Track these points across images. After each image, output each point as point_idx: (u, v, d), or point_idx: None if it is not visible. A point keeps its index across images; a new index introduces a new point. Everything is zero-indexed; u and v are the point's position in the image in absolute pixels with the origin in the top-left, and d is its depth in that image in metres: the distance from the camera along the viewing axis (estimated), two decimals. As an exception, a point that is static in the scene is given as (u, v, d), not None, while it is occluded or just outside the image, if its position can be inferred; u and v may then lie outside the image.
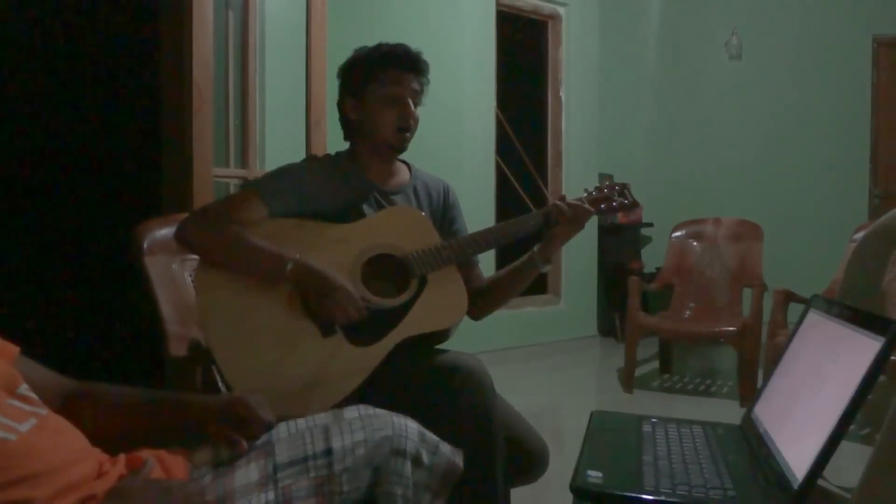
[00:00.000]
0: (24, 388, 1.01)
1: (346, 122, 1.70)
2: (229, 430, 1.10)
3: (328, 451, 1.04)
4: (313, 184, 1.59)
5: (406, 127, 1.62)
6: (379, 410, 1.12)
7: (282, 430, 1.11)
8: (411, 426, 1.11)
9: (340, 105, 1.69)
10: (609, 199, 1.72)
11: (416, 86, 1.63)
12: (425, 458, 1.10)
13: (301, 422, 1.11)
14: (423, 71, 1.65)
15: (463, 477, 1.15)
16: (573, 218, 1.63)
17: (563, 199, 1.67)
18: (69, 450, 0.98)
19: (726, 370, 4.47)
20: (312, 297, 1.48)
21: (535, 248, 1.68)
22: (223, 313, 1.49)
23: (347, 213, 1.60)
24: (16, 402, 0.98)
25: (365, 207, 1.63)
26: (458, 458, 1.15)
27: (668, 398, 3.88)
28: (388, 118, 1.61)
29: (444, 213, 1.76)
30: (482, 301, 1.74)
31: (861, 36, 5.28)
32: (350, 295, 1.47)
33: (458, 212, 1.79)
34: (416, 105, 1.64)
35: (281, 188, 1.57)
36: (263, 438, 1.10)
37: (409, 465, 1.07)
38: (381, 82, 1.61)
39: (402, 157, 1.74)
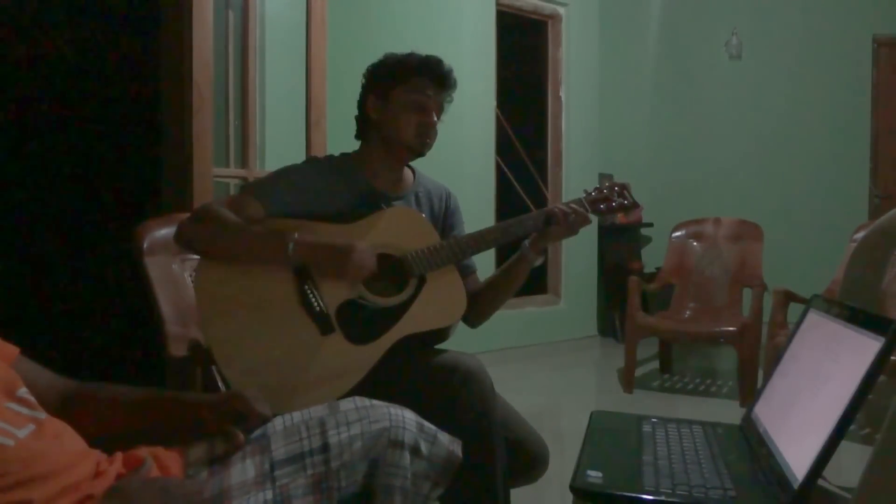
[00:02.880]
0: (23, 392, 1.01)
1: (364, 121, 1.70)
2: (226, 423, 1.10)
3: (325, 447, 1.04)
4: (312, 186, 1.59)
5: (426, 134, 1.63)
6: (375, 402, 1.12)
7: (277, 423, 1.11)
8: (408, 416, 1.11)
9: (362, 102, 1.69)
10: (609, 200, 1.73)
11: (441, 100, 1.65)
12: (424, 448, 1.10)
13: (297, 415, 1.11)
14: (451, 88, 1.66)
15: (462, 477, 1.15)
16: (572, 222, 1.64)
17: (566, 204, 1.68)
18: (67, 453, 0.98)
19: (726, 370, 4.47)
20: (324, 270, 1.49)
21: (526, 243, 1.68)
22: (222, 312, 1.50)
23: (347, 216, 1.60)
24: (14, 406, 0.98)
25: (365, 211, 1.62)
26: (457, 448, 1.15)
27: (668, 398, 3.88)
28: (410, 122, 1.62)
29: (444, 219, 1.76)
30: (479, 306, 1.73)
31: (861, 36, 5.28)
32: (359, 250, 1.47)
33: (458, 218, 1.80)
34: (438, 117, 1.65)
35: (278, 190, 1.57)
36: (259, 432, 1.10)
37: (407, 456, 1.07)
38: (409, 87, 1.62)
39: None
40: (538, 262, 1.70)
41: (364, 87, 1.69)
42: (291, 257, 1.47)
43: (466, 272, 1.73)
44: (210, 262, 1.53)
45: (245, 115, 2.93)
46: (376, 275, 1.55)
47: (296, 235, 1.47)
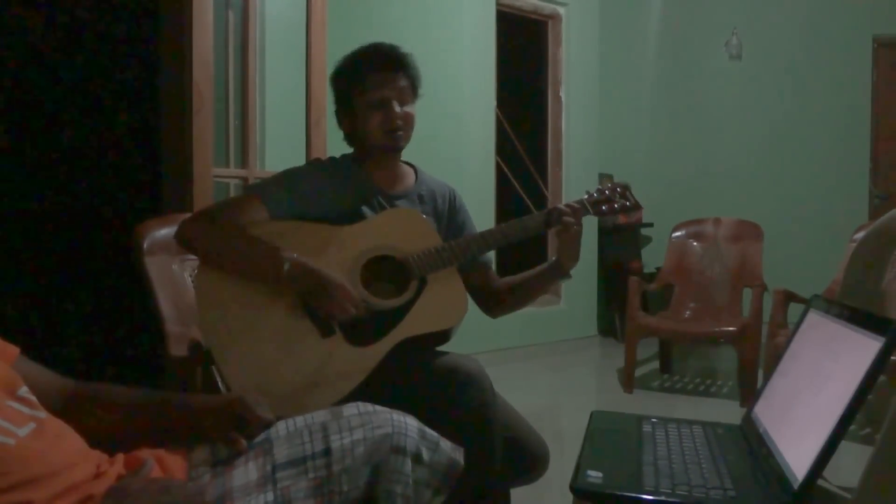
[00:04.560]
0: (24, 391, 1.01)
1: (344, 133, 1.70)
2: (228, 428, 1.10)
3: (327, 451, 1.04)
4: (316, 188, 1.59)
5: (393, 128, 1.60)
6: (378, 407, 1.12)
7: (280, 428, 1.11)
8: (411, 423, 1.11)
9: (337, 118, 1.69)
10: (610, 202, 1.72)
11: (401, 83, 1.61)
12: (426, 455, 1.10)
13: (299, 419, 1.11)
14: (405, 65, 1.62)
15: (462, 480, 1.15)
16: (576, 219, 1.63)
17: (566, 204, 1.68)
18: (68, 453, 0.98)
19: (726, 370, 4.47)
20: (310, 297, 1.48)
21: (554, 262, 1.68)
22: (222, 314, 1.49)
23: (350, 217, 1.60)
24: (15, 405, 0.98)
25: (368, 211, 1.62)
26: (459, 455, 1.14)
27: (668, 398, 3.88)
28: (373, 122, 1.60)
29: (450, 219, 1.75)
30: (505, 300, 1.75)
31: (861, 36, 5.28)
32: (347, 291, 1.47)
33: (465, 216, 1.79)
34: (405, 102, 1.62)
35: (282, 192, 1.57)
36: (262, 436, 1.10)
37: (409, 463, 1.07)
38: (363, 89, 1.60)
39: (408, 159, 1.73)
40: (564, 281, 1.72)
41: (333, 101, 1.69)
42: (285, 278, 1.46)
43: (484, 268, 1.75)
44: (210, 265, 1.53)
45: (245, 115, 2.93)
46: (377, 277, 1.55)
47: (294, 256, 1.47)
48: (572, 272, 1.68)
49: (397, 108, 1.60)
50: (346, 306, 1.47)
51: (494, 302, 1.76)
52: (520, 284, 1.74)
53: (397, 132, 1.61)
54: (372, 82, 1.59)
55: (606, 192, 1.73)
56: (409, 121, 1.63)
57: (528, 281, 1.73)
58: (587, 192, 1.74)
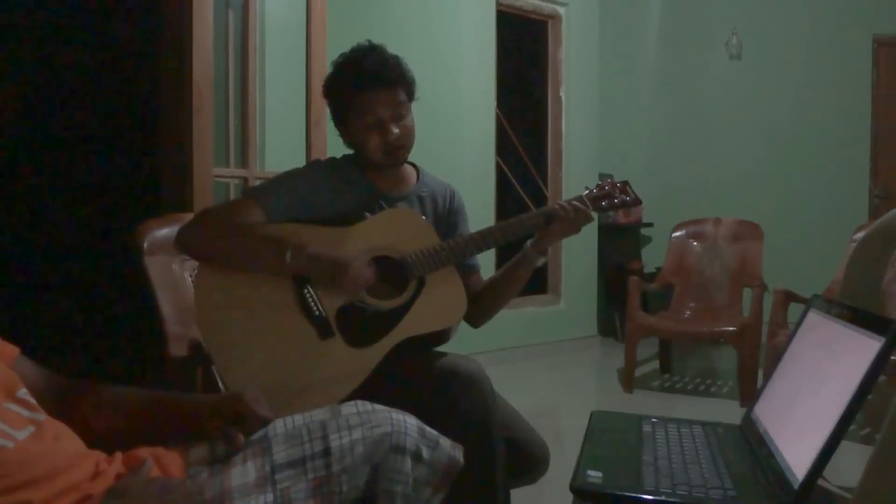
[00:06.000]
0: (23, 392, 1.01)
1: (343, 140, 1.69)
2: (226, 425, 1.10)
3: (326, 451, 1.04)
4: (314, 190, 1.59)
5: (391, 148, 1.59)
6: (377, 406, 1.12)
7: (278, 426, 1.10)
8: (410, 422, 1.11)
9: (335, 126, 1.68)
10: (610, 197, 1.71)
11: (395, 98, 1.58)
12: (425, 453, 1.09)
13: (298, 418, 1.11)
14: (396, 77, 1.59)
15: (462, 482, 1.15)
16: (573, 220, 1.62)
17: (567, 201, 1.67)
18: (66, 454, 0.98)
19: (726, 370, 4.47)
20: (321, 279, 1.48)
21: (528, 243, 1.67)
22: (221, 317, 1.49)
23: (350, 219, 1.59)
24: (14, 407, 0.98)
25: (367, 213, 1.62)
26: (458, 453, 1.14)
27: (668, 398, 3.88)
28: (373, 144, 1.59)
29: (448, 218, 1.75)
30: (481, 306, 1.71)
31: (861, 36, 5.28)
32: (355, 265, 1.47)
33: (461, 217, 1.78)
34: (402, 116, 1.60)
35: (279, 195, 1.56)
36: (260, 434, 1.10)
37: (408, 462, 1.07)
38: (357, 110, 1.58)
39: (408, 158, 1.73)
40: (540, 262, 1.69)
41: (330, 113, 1.68)
42: (289, 266, 1.47)
43: (468, 271, 1.72)
44: (210, 268, 1.53)
45: (245, 115, 2.93)
46: (376, 278, 1.55)
47: (294, 242, 1.47)
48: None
49: (395, 129, 1.58)
50: (361, 277, 1.47)
51: (473, 308, 1.66)
52: (493, 282, 1.73)
53: (397, 150, 1.60)
54: (365, 103, 1.57)
55: (606, 187, 1.72)
56: (408, 134, 1.61)
57: (501, 277, 1.71)
58: (587, 188, 1.73)
